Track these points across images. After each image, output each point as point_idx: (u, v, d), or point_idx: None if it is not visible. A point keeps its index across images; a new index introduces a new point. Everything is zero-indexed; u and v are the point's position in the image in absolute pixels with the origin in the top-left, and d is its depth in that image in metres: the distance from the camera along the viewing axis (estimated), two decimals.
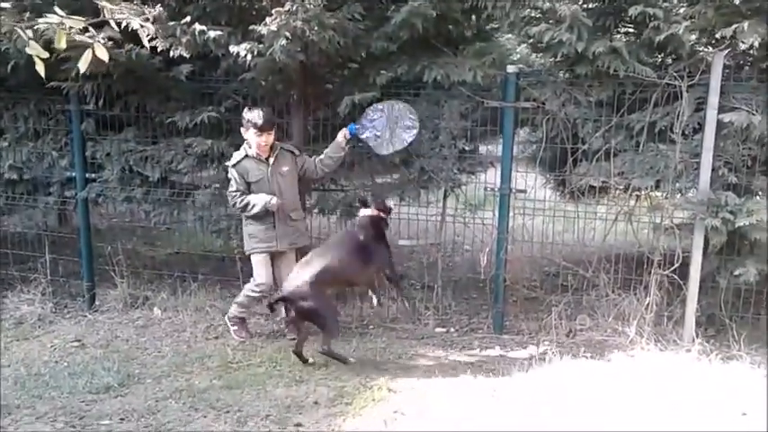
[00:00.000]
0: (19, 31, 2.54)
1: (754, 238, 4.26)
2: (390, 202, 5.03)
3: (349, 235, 4.69)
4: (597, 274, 4.81)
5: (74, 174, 5.43)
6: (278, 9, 4.18)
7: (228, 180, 4.71)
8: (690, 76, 4.38)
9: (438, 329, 5.05)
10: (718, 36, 4.24)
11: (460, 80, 4.59)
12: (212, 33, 4.37)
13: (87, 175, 5.41)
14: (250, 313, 4.85)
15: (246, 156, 4.63)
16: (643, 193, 4.82)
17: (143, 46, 4.10)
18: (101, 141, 5.31)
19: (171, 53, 4.44)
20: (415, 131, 4.76)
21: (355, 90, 4.71)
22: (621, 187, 4.78)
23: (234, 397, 3.90)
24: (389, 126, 4.77)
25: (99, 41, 2.69)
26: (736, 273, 4.34)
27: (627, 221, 4.79)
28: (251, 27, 4.33)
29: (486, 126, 4.90)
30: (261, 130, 4.54)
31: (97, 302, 5.54)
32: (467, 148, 5.06)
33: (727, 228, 4.26)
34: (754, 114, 4.22)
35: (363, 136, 4.80)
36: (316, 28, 4.20)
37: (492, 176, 5.07)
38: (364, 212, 4.69)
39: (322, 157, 4.79)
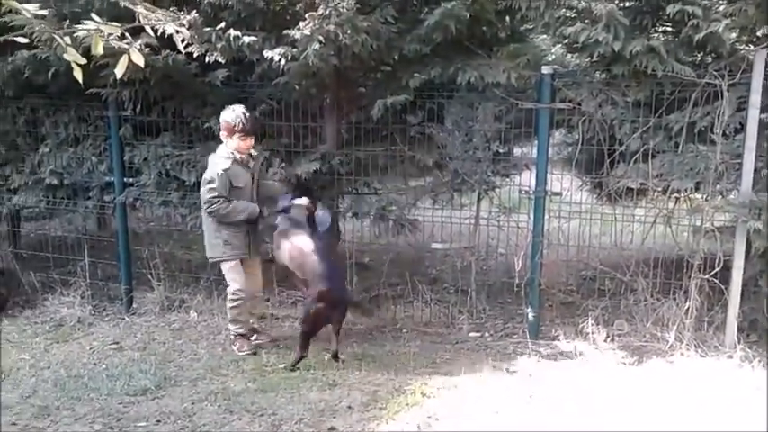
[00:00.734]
0: (57, 38, 2.58)
1: None
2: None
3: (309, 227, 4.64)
4: (635, 279, 4.72)
5: (112, 178, 5.51)
6: (311, 13, 4.19)
7: (208, 183, 4.47)
8: (730, 74, 4.28)
9: (472, 334, 5.01)
10: (759, 34, 4.16)
11: (494, 82, 4.53)
12: (247, 39, 4.41)
13: (125, 180, 5.48)
14: (249, 326, 4.80)
15: (235, 160, 4.52)
16: (682, 195, 4.70)
17: (179, 52, 4.18)
18: (138, 146, 5.39)
19: (206, 58, 4.50)
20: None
21: (388, 93, 4.70)
22: (660, 189, 4.68)
23: (268, 400, 3.91)
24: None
25: (135, 47, 2.73)
26: None
27: (666, 224, 4.69)
28: (285, 32, 4.35)
29: (520, 128, 4.84)
30: (248, 134, 4.49)
31: (135, 305, 5.62)
32: (501, 151, 5.03)
33: None
34: None
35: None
36: (349, 31, 4.20)
37: (527, 179, 5.01)
38: (300, 201, 4.66)
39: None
